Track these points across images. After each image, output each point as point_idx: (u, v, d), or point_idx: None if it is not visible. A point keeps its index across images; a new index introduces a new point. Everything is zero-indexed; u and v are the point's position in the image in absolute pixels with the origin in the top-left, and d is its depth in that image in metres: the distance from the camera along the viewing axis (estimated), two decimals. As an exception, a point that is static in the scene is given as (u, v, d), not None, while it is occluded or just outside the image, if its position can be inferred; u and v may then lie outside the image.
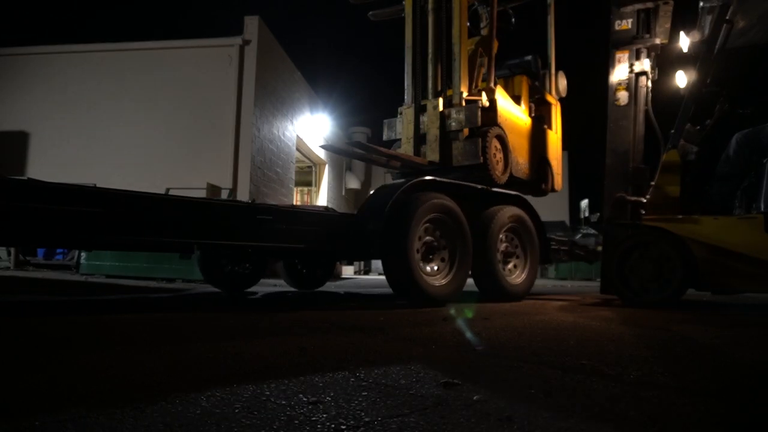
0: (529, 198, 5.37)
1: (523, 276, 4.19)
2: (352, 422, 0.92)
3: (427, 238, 3.49)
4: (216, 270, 4.47)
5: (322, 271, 5.28)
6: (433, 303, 3.33)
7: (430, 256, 3.53)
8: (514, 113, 4.39)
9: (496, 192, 4.14)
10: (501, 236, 4.03)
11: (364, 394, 1.12)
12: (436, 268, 3.55)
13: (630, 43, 4.26)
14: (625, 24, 4.26)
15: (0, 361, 1.40)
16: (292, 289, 5.13)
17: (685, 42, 4.26)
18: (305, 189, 16.93)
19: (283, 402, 1.03)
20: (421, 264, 3.41)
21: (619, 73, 4.28)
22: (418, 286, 3.27)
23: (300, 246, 3.28)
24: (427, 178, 3.65)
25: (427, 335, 2.06)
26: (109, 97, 11.40)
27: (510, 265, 4.17)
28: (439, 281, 3.49)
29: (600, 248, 5.85)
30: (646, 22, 4.28)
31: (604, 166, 4.30)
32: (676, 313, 3.35)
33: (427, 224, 3.48)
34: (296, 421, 0.92)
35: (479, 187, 3.99)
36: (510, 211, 4.09)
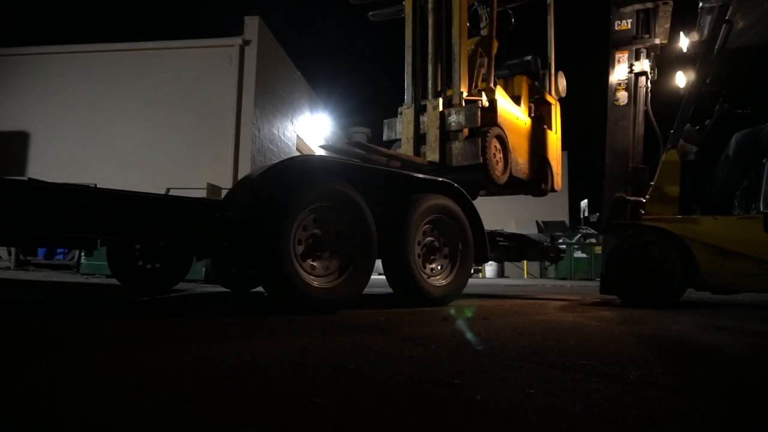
0: (529, 198, 5.38)
1: (451, 277, 3.61)
2: (352, 422, 0.92)
3: (314, 231, 2.92)
4: (130, 267, 3.99)
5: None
6: (318, 308, 2.80)
7: (318, 253, 2.94)
8: (513, 113, 4.40)
9: (416, 178, 3.56)
10: (421, 230, 3.46)
11: (364, 394, 1.12)
12: (325, 267, 2.96)
13: (630, 43, 4.26)
14: (625, 24, 4.26)
15: (0, 361, 1.40)
16: (224, 289, 4.67)
17: (684, 42, 4.27)
18: (305, 189, 16.89)
19: (284, 402, 1.04)
20: (301, 262, 2.84)
21: (619, 73, 4.29)
22: (295, 288, 2.72)
23: (133, 236, 2.72)
24: (311, 156, 3.13)
25: (427, 335, 2.06)
26: (109, 97, 11.42)
27: (433, 264, 3.60)
28: (329, 283, 2.92)
29: (559, 246, 5.68)
30: (645, 23, 4.28)
31: (604, 166, 4.31)
32: (676, 313, 3.35)
33: (312, 214, 2.90)
34: (297, 421, 0.92)
35: (388, 169, 3.47)
36: (435, 200, 3.51)
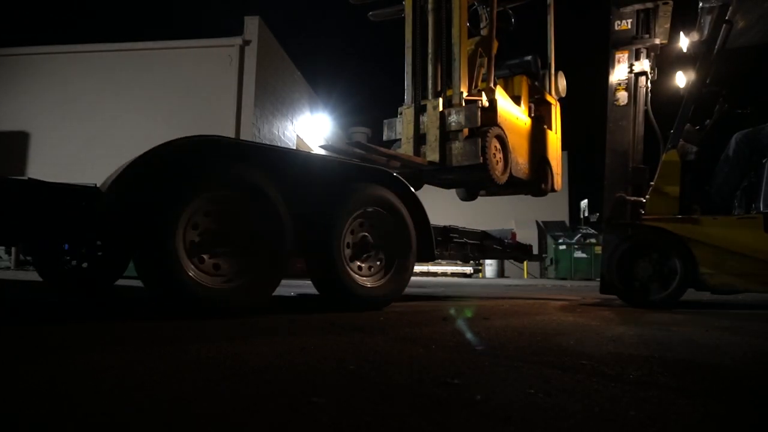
0: (529, 198, 5.36)
1: (387, 277, 3.25)
2: (352, 422, 0.92)
3: (209, 225, 2.55)
4: (55, 264, 3.63)
5: None
6: (211, 311, 2.44)
7: (218, 249, 2.58)
8: (513, 113, 4.40)
9: (346, 165, 3.18)
10: (353, 224, 3.12)
11: (364, 394, 1.12)
12: (221, 266, 2.57)
13: (630, 43, 4.26)
14: (625, 24, 4.26)
15: (0, 361, 1.40)
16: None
17: (684, 42, 4.27)
18: (305, 189, 16.92)
19: (284, 402, 1.03)
20: (191, 258, 2.47)
21: (619, 73, 4.29)
22: (183, 287, 2.37)
23: None
24: (209, 136, 2.65)
25: (427, 335, 2.06)
26: (109, 97, 11.42)
27: (366, 262, 3.23)
28: (226, 283, 2.55)
29: (523, 244, 5.36)
30: (645, 23, 4.28)
31: (604, 166, 4.31)
32: (676, 313, 3.35)
33: (210, 206, 2.54)
34: (297, 422, 0.92)
35: (310, 154, 3.15)
36: (368, 191, 3.14)
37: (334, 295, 3.06)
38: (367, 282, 3.17)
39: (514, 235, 5.25)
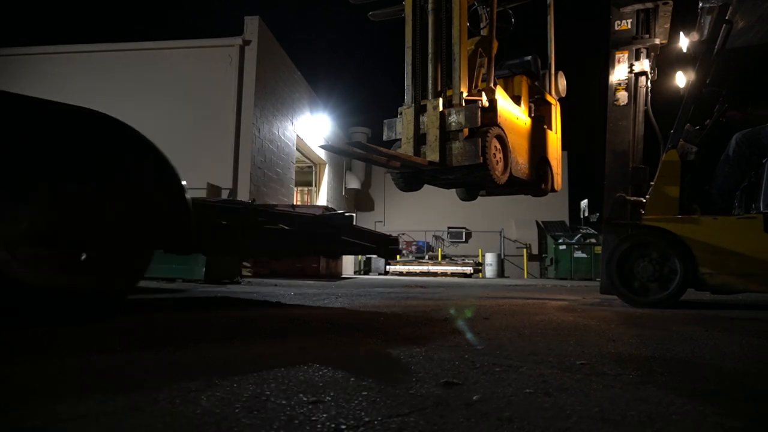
0: (529, 198, 5.36)
1: (96, 272, 2.23)
2: (352, 422, 0.92)
3: None
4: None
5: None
6: None
7: None
8: (513, 113, 4.40)
9: None
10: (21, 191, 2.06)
11: (363, 393, 1.12)
12: None
13: (630, 43, 4.27)
14: (625, 24, 4.27)
15: None
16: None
17: (684, 42, 4.27)
18: (305, 189, 17.00)
19: (283, 402, 1.04)
20: None
21: (619, 73, 4.29)
22: None
23: None
24: None
25: (427, 335, 2.06)
26: (109, 97, 11.40)
27: (54, 252, 2.17)
28: None
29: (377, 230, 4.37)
30: (645, 23, 4.29)
31: (604, 166, 4.31)
32: (676, 313, 3.35)
33: None
34: (296, 421, 0.92)
35: None
36: (49, 137, 2.16)
37: None
38: (52, 278, 2.12)
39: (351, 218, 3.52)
